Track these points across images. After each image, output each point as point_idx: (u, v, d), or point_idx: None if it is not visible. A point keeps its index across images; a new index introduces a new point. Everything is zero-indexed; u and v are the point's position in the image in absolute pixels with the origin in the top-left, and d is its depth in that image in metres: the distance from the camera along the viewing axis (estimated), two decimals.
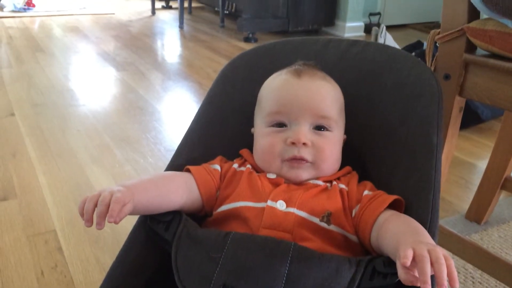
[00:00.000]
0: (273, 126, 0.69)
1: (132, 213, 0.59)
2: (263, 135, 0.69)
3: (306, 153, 0.66)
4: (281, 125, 0.68)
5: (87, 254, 1.08)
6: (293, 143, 0.66)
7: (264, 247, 0.54)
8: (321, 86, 0.70)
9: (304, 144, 0.66)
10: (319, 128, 0.68)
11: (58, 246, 1.11)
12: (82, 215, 0.54)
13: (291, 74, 0.71)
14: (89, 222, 0.53)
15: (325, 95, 0.70)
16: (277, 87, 0.71)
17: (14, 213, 1.22)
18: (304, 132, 0.67)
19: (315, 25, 3.41)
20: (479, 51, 0.75)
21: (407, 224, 0.57)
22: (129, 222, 0.66)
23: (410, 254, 0.46)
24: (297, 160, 0.66)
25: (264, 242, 0.55)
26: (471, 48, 0.76)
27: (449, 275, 0.44)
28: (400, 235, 0.54)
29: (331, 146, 0.68)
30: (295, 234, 0.60)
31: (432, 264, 0.45)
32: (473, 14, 0.74)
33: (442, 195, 1.33)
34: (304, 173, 0.67)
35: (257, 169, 0.70)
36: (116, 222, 0.53)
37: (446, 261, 0.45)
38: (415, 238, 0.51)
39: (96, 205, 0.54)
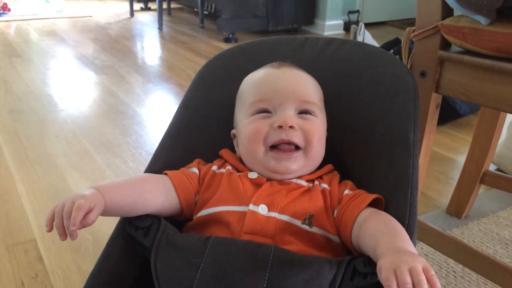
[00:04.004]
0: (257, 113, 0.68)
1: (106, 213, 0.58)
2: (247, 124, 0.68)
3: (294, 137, 0.65)
4: (265, 112, 0.68)
5: (68, 263, 1.06)
6: (280, 127, 0.65)
7: (245, 251, 0.54)
8: (301, 75, 0.72)
9: (291, 127, 0.65)
10: (304, 112, 0.68)
11: (39, 255, 1.08)
12: (47, 226, 0.54)
13: (270, 67, 0.72)
14: (63, 236, 0.53)
15: (306, 82, 0.71)
16: (257, 79, 0.72)
17: None
18: (290, 115, 0.66)
19: (295, 24, 3.42)
20: (454, 48, 0.76)
21: (384, 224, 0.57)
22: (110, 228, 0.65)
23: (393, 284, 0.45)
24: (286, 152, 0.65)
25: (245, 246, 0.54)
26: (445, 45, 0.76)
27: (432, 287, 0.45)
28: (377, 238, 0.54)
29: (318, 130, 0.68)
30: (276, 239, 0.59)
31: (414, 286, 0.44)
32: (447, 11, 0.75)
33: (422, 190, 1.35)
34: (294, 165, 0.65)
35: (238, 169, 0.69)
36: (76, 227, 0.53)
37: (427, 273, 0.45)
38: (393, 245, 0.51)
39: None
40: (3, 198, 1.30)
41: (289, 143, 0.65)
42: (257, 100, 0.68)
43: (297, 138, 0.65)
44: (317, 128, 0.68)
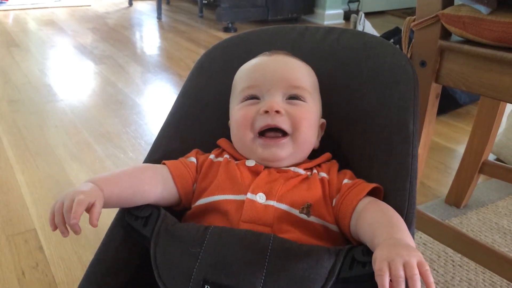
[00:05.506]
0: (246, 100, 0.69)
1: (105, 206, 0.58)
2: (236, 111, 0.69)
3: (280, 122, 0.65)
4: (254, 98, 0.68)
5: (69, 252, 1.07)
6: (266, 112, 0.65)
7: (244, 240, 0.54)
8: (291, 61, 0.72)
9: (277, 112, 0.65)
10: (292, 98, 0.68)
11: (39, 245, 1.09)
12: (51, 225, 0.54)
13: (262, 55, 0.73)
14: (65, 233, 0.54)
15: (297, 67, 0.71)
16: (249, 67, 0.72)
17: None
18: (277, 100, 0.66)
19: (295, 13, 3.40)
20: (454, 37, 0.76)
21: (383, 213, 0.57)
22: (110, 218, 0.66)
23: (386, 278, 0.44)
24: (272, 139, 0.65)
25: (244, 236, 0.55)
26: (446, 34, 0.76)
27: (425, 281, 0.45)
28: (375, 228, 0.54)
29: (307, 115, 0.67)
30: (275, 228, 0.59)
31: (407, 280, 0.44)
32: (447, 0, 0.74)
33: (422, 180, 1.35)
34: (282, 152, 0.65)
35: (235, 158, 0.69)
36: (94, 225, 0.54)
37: (421, 268, 0.45)
38: (390, 236, 0.51)
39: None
40: (3, 188, 1.31)
41: (276, 128, 0.65)
42: (246, 87, 0.69)
43: (284, 123, 0.65)
44: (305, 113, 0.67)
